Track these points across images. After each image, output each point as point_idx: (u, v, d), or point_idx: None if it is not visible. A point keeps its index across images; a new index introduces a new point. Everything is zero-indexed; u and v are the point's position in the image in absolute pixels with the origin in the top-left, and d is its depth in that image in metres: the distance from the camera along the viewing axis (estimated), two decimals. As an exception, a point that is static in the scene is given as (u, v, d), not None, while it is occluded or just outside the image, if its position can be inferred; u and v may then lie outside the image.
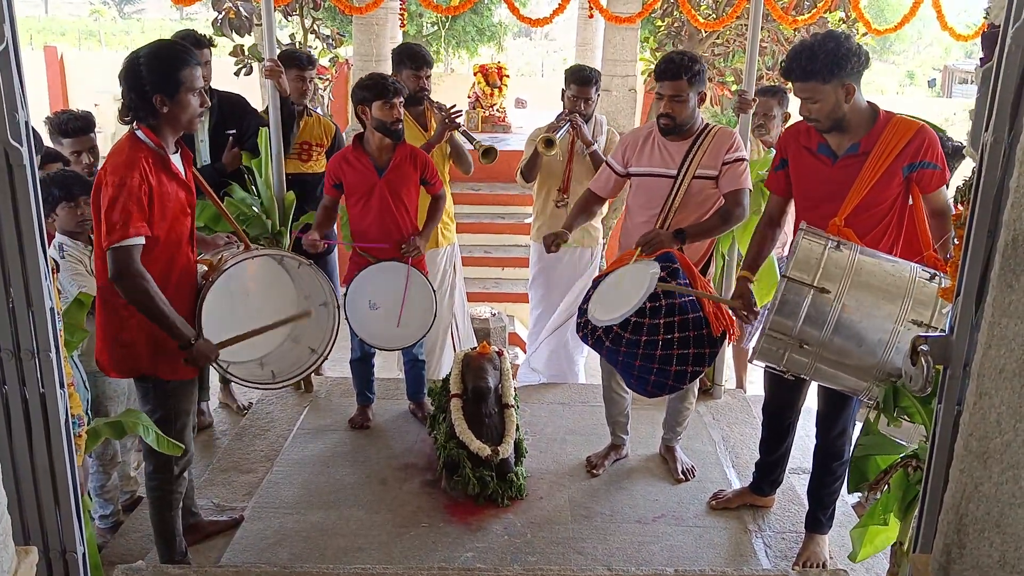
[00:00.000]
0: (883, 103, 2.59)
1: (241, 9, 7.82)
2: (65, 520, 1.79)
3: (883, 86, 25.21)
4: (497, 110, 10.80)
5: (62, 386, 1.73)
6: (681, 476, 3.35)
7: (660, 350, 2.61)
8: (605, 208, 3.52)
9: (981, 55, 2.51)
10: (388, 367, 4.84)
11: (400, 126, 3.30)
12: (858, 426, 2.56)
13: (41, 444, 1.73)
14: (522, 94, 14.67)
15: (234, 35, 8.00)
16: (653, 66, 3.85)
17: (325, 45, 8.92)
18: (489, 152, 3.80)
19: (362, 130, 3.41)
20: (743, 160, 3.01)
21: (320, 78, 8.07)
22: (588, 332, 2.76)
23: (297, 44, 8.35)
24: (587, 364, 4.57)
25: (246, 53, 8.12)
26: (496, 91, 10.71)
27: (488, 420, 3.26)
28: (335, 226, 4.05)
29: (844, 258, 2.26)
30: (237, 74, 8.28)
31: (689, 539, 2.97)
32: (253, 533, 2.96)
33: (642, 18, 7.60)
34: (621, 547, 2.92)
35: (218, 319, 2.48)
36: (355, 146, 3.39)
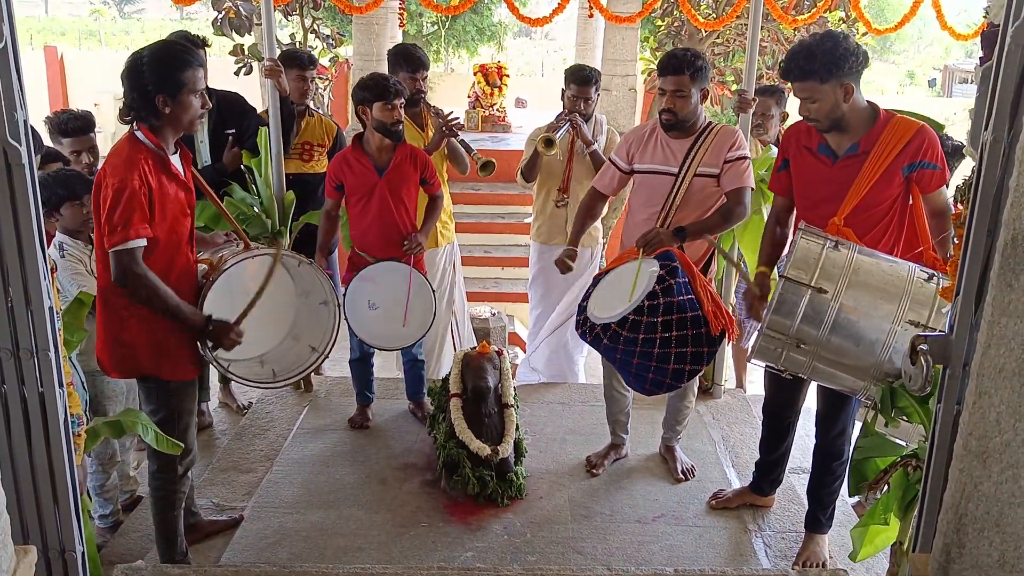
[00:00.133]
0: (883, 103, 2.58)
1: (241, 9, 7.82)
2: (64, 519, 1.79)
3: (883, 86, 25.20)
4: (497, 110, 10.80)
5: (61, 385, 1.73)
6: (681, 476, 3.35)
7: (658, 348, 2.61)
8: (605, 208, 3.51)
9: (981, 54, 2.50)
10: (388, 367, 4.84)
11: (400, 127, 3.30)
12: (857, 426, 2.56)
13: (40, 443, 1.73)
14: (522, 94, 14.69)
15: (234, 35, 8.00)
16: (653, 66, 3.85)
17: (325, 45, 8.91)
18: (487, 165, 3.80)
19: (362, 130, 3.41)
20: (745, 158, 2.99)
21: (320, 78, 8.07)
22: (587, 329, 2.76)
23: (297, 44, 8.34)
24: (587, 364, 4.57)
25: (246, 53, 8.11)
26: (496, 91, 10.72)
27: (488, 420, 3.26)
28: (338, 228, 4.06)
29: (842, 258, 2.26)
30: (237, 74, 8.28)
31: (689, 539, 2.97)
32: (253, 533, 2.96)
33: (642, 18, 7.59)
34: (621, 547, 2.92)
35: (226, 316, 2.47)
36: (355, 147, 3.39)
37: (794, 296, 2.23)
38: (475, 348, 3.53)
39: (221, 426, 3.92)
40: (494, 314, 6.19)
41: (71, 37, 27.09)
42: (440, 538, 2.95)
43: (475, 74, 10.91)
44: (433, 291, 3.44)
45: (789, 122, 3.79)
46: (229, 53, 8.37)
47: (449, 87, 14.70)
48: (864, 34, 8.58)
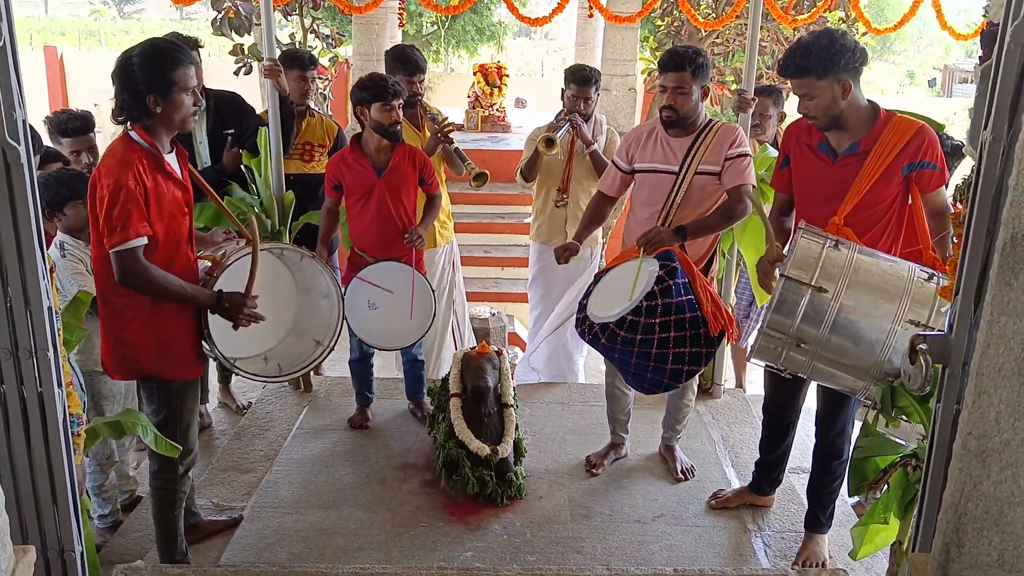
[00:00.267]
0: (883, 103, 2.58)
1: (240, 9, 7.82)
2: (63, 519, 1.79)
3: (883, 86, 25.21)
4: (497, 110, 10.80)
5: (60, 385, 1.73)
6: (680, 475, 3.35)
7: (656, 348, 2.60)
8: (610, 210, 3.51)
9: (980, 54, 2.50)
10: (387, 367, 4.84)
11: (398, 127, 3.30)
12: (857, 425, 2.56)
13: (39, 443, 1.73)
14: (522, 94, 14.69)
15: (233, 35, 8.01)
16: (653, 66, 3.85)
17: (325, 45, 8.92)
18: (480, 177, 3.80)
19: (360, 130, 3.41)
20: (746, 156, 2.98)
21: (320, 78, 8.07)
22: (586, 328, 2.76)
23: (297, 44, 8.35)
24: (587, 364, 4.57)
25: (246, 53, 8.12)
26: (496, 91, 10.72)
27: (487, 420, 3.26)
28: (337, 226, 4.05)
29: (843, 257, 2.26)
30: (237, 73, 8.28)
31: (688, 538, 2.97)
32: (252, 533, 2.96)
33: (642, 17, 7.60)
34: (620, 547, 2.92)
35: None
36: (353, 147, 3.39)
37: (794, 295, 2.23)
38: (475, 348, 3.53)
39: (220, 426, 3.92)
40: (494, 314, 6.20)
41: (71, 37, 27.10)
42: (440, 538, 2.95)
43: (475, 74, 10.91)
44: (432, 291, 3.44)
45: (787, 122, 3.79)
46: (229, 53, 8.38)
47: (449, 87, 14.71)
48: (864, 34, 8.59)
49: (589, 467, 3.41)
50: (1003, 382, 1.30)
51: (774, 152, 3.79)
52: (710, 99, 8.73)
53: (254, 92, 7.63)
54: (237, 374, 2.66)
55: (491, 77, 10.64)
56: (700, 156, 2.99)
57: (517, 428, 3.34)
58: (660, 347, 2.61)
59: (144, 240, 2.25)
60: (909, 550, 1.79)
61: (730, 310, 3.68)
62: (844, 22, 8.81)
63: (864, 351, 2.20)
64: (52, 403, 1.70)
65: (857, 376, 2.26)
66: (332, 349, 2.90)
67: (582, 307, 2.84)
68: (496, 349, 3.53)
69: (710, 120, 3.06)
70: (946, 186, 2.52)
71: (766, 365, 2.49)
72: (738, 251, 3.91)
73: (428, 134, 3.88)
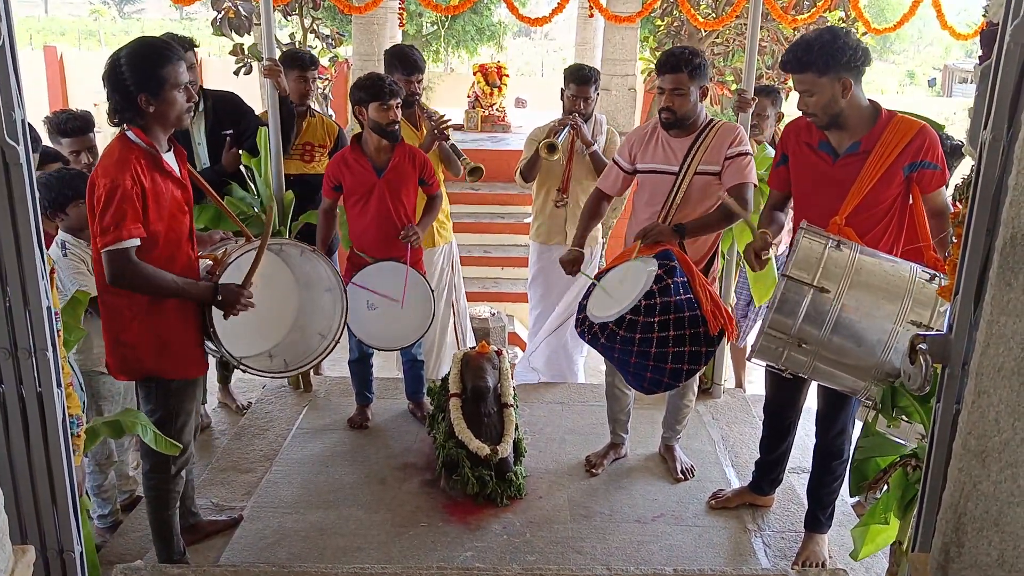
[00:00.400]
0: (883, 102, 2.58)
1: (240, 8, 7.82)
2: (62, 519, 1.79)
3: (883, 85, 25.23)
4: (497, 109, 10.80)
5: (59, 385, 1.73)
6: (680, 475, 3.34)
7: (655, 348, 2.60)
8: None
9: (980, 53, 2.50)
10: (387, 367, 4.84)
11: (397, 127, 3.30)
12: (858, 425, 2.56)
13: (38, 443, 1.73)
14: (522, 94, 14.69)
15: (233, 35, 8.01)
16: (653, 66, 3.85)
17: (325, 45, 8.93)
18: (475, 171, 3.80)
19: (360, 130, 3.41)
20: (747, 154, 2.96)
21: (320, 77, 8.08)
22: (585, 328, 2.76)
23: (297, 44, 8.36)
24: (586, 364, 4.57)
25: (246, 53, 8.12)
26: (496, 91, 10.72)
27: (487, 419, 3.26)
28: (336, 227, 4.05)
29: (844, 258, 2.26)
30: (237, 73, 8.29)
31: (688, 538, 2.97)
32: (252, 533, 2.96)
33: (642, 17, 7.59)
34: (620, 546, 2.91)
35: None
36: (353, 147, 3.39)
37: (796, 296, 2.23)
38: (475, 348, 3.53)
39: (220, 426, 3.92)
40: (494, 314, 6.19)
41: (71, 37, 27.11)
42: (439, 538, 2.95)
43: (475, 74, 10.91)
44: (432, 291, 3.44)
45: (785, 121, 3.80)
46: (229, 53, 8.38)
47: (449, 87, 14.71)
48: (864, 34, 8.57)
49: (589, 467, 3.41)
50: (1003, 382, 1.30)
51: (772, 152, 3.78)
52: (710, 99, 8.75)
53: (254, 92, 7.65)
54: (245, 372, 2.66)
55: (491, 77, 10.64)
56: (700, 156, 2.98)
57: (517, 428, 3.34)
58: (659, 346, 2.61)
59: (136, 241, 2.24)
60: (909, 550, 1.79)
61: (729, 309, 3.68)
62: (844, 22, 8.82)
63: (866, 351, 2.20)
64: (51, 403, 1.70)
65: (858, 376, 2.26)
66: (337, 342, 2.90)
67: (582, 307, 2.84)
68: (496, 349, 3.53)
69: (710, 120, 3.05)
70: (946, 186, 2.52)
71: (767, 365, 2.49)
72: (737, 251, 3.91)
73: (425, 132, 3.88)
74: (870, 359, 2.20)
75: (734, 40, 9.57)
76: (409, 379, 3.85)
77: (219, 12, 7.90)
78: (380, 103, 3.23)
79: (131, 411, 2.51)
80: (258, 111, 3.99)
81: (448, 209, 4.22)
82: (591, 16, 9.78)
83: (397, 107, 3.28)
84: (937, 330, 2.07)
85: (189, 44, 3.41)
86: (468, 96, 11.01)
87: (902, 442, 2.19)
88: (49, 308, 1.67)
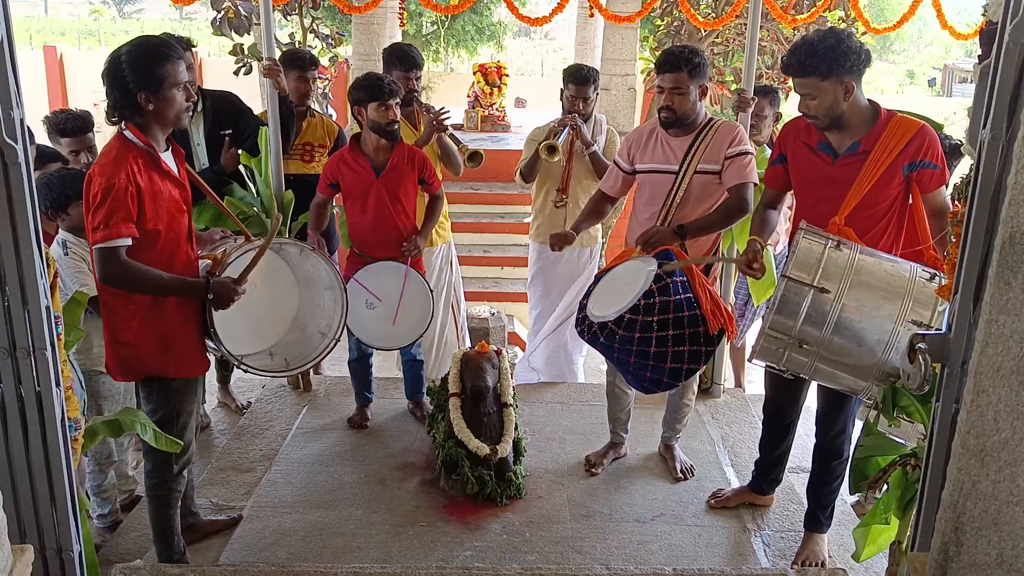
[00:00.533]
0: (883, 102, 2.58)
1: (240, 8, 7.82)
2: (61, 519, 1.79)
3: (883, 85, 25.22)
4: (496, 109, 10.79)
5: (58, 384, 1.73)
6: (680, 475, 3.34)
7: (654, 347, 2.60)
8: (609, 209, 3.51)
9: (979, 52, 2.50)
10: (387, 366, 4.84)
11: (396, 127, 3.29)
12: (858, 425, 2.56)
13: (37, 442, 1.73)
14: (522, 93, 14.66)
15: (233, 34, 8.01)
16: (652, 65, 3.84)
17: (324, 44, 8.92)
18: (475, 156, 3.80)
19: (359, 130, 3.41)
20: (747, 153, 2.95)
21: (320, 77, 8.08)
22: (585, 328, 2.76)
23: (296, 43, 8.35)
24: (586, 363, 4.57)
25: (245, 52, 8.12)
26: (496, 90, 10.70)
27: (487, 419, 3.26)
28: (335, 227, 4.05)
29: (844, 258, 2.26)
30: (236, 73, 8.29)
31: (688, 538, 2.96)
32: (251, 532, 2.96)
33: (642, 17, 7.60)
34: (620, 546, 2.91)
35: (227, 313, 2.47)
36: (352, 147, 3.39)
37: (796, 296, 2.23)
38: (474, 348, 3.53)
39: (220, 426, 3.92)
40: (494, 314, 6.18)
41: (71, 37, 27.12)
42: (439, 537, 2.95)
43: (475, 74, 10.89)
44: (431, 291, 3.44)
45: (783, 122, 3.79)
46: (229, 53, 8.38)
47: (449, 87, 14.69)
48: (863, 33, 8.58)
49: (588, 467, 3.41)
50: (1002, 381, 1.30)
51: (769, 153, 3.78)
52: (710, 99, 8.76)
53: (254, 92, 7.63)
54: (245, 371, 2.65)
55: (491, 77, 10.63)
56: (700, 155, 2.98)
57: (516, 428, 3.34)
58: (659, 346, 2.60)
59: (127, 241, 2.23)
60: (908, 549, 1.79)
61: (729, 309, 3.68)
62: (844, 22, 8.80)
63: (866, 352, 2.20)
64: (50, 402, 1.70)
65: (859, 376, 2.26)
66: (338, 340, 2.89)
67: (582, 307, 2.84)
68: (496, 349, 3.53)
69: (710, 119, 3.05)
70: (947, 186, 2.52)
71: (767, 365, 2.49)
72: (737, 250, 3.90)
73: (424, 125, 3.87)
74: (871, 359, 2.20)
75: (734, 40, 9.56)
76: (409, 379, 3.85)
77: (219, 12, 7.90)
78: (379, 103, 3.22)
79: (130, 410, 2.51)
80: (257, 111, 3.99)
81: (447, 209, 4.22)
82: (591, 16, 9.76)
83: (396, 106, 3.28)
84: (937, 329, 2.07)
85: (187, 44, 3.41)
86: (468, 96, 10.99)
87: (903, 442, 2.19)
88: (48, 308, 1.67)
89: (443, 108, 3.86)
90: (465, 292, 4.67)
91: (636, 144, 3.15)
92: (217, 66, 12.48)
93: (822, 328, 2.21)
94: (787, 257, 2.35)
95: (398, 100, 3.29)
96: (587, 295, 2.89)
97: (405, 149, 3.39)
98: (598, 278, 2.97)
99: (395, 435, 3.71)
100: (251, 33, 8.10)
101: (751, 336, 3.77)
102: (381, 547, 2.88)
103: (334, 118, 5.33)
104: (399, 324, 3.41)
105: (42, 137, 3.22)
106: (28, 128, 1.74)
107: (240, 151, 3.78)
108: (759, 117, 4.02)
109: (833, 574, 2.55)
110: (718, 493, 3.20)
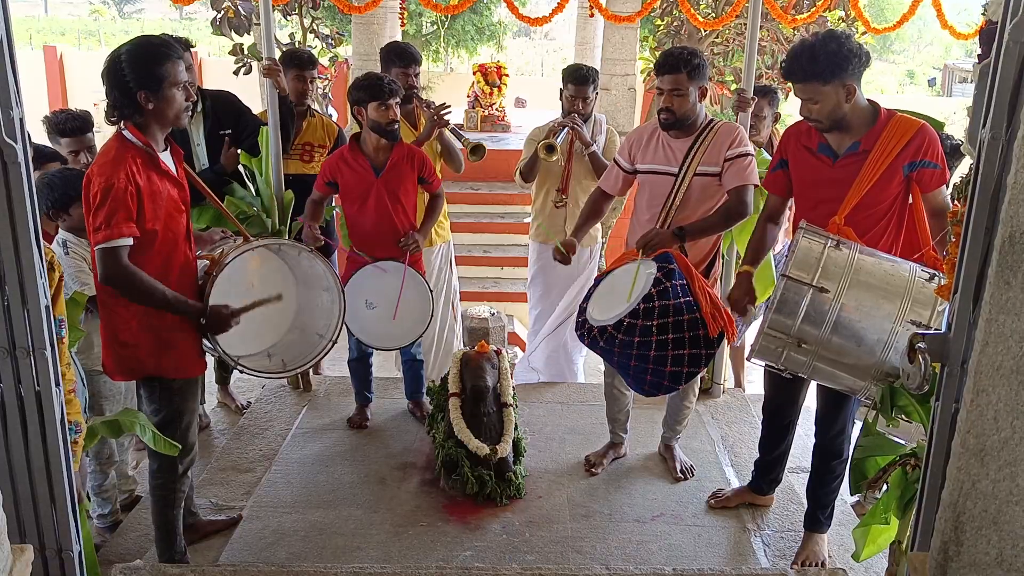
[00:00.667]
0: (883, 102, 2.58)
1: (240, 8, 7.82)
2: (61, 519, 1.79)
3: (883, 85, 25.22)
4: (496, 109, 10.79)
5: (58, 384, 1.73)
6: (680, 475, 3.34)
7: (654, 351, 2.60)
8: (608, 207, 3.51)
9: (979, 52, 2.50)
10: (387, 366, 4.84)
11: (396, 126, 3.29)
12: (857, 425, 2.56)
13: (37, 442, 1.73)
14: (522, 93, 14.66)
15: (233, 34, 8.01)
16: (653, 65, 3.84)
17: (324, 44, 8.92)
18: (477, 149, 3.79)
19: (359, 130, 3.40)
20: (747, 155, 2.94)
21: (320, 77, 8.08)
22: (585, 331, 2.75)
23: (296, 43, 8.36)
24: (586, 364, 4.57)
25: (245, 52, 8.12)
26: (495, 90, 10.70)
27: (487, 419, 3.26)
28: (335, 227, 4.05)
29: (844, 257, 2.26)
30: (236, 73, 8.29)
31: (688, 538, 2.96)
32: (251, 532, 2.96)
33: (642, 17, 7.60)
34: (619, 546, 2.91)
35: None
36: (352, 146, 3.39)
37: (796, 296, 2.22)
38: (474, 347, 3.52)
39: (220, 426, 3.91)
40: (493, 314, 6.17)
41: (71, 37, 27.12)
42: (439, 537, 2.95)
43: (474, 74, 10.89)
44: (430, 290, 3.44)
45: (784, 122, 3.79)
46: (229, 53, 8.38)
47: (449, 87, 14.68)
48: (863, 33, 8.58)
49: (588, 467, 3.41)
50: (1001, 380, 1.30)
51: (767, 156, 3.77)
52: (710, 99, 8.75)
53: (254, 92, 7.63)
54: (242, 372, 2.65)
55: (491, 77, 10.62)
56: (699, 157, 2.97)
57: (516, 428, 3.34)
58: (659, 349, 2.60)
59: (129, 241, 2.23)
60: (908, 549, 1.79)
61: (729, 310, 3.68)
62: (844, 21, 8.80)
63: (865, 351, 2.20)
64: (50, 402, 1.70)
65: (858, 376, 2.25)
66: (335, 341, 2.89)
67: (582, 310, 2.84)
68: (495, 349, 3.53)
69: (711, 120, 3.04)
70: (947, 185, 2.52)
71: (766, 365, 2.49)
72: (737, 251, 3.90)
73: (424, 121, 3.86)
74: (870, 359, 2.20)
75: (734, 40, 9.56)
76: (408, 379, 3.84)
77: (219, 12, 7.90)
78: (379, 102, 3.22)
79: (130, 411, 2.51)
80: (257, 111, 3.99)
81: (446, 208, 4.22)
82: (591, 16, 9.77)
83: (396, 106, 3.27)
84: (936, 329, 2.07)
85: (186, 45, 3.41)
86: (468, 96, 10.99)
87: (902, 442, 2.19)
88: (47, 307, 1.67)
89: (443, 104, 3.86)
90: (466, 292, 4.67)
91: (637, 144, 3.15)
92: (217, 66, 12.49)
93: (821, 327, 2.21)
94: (786, 256, 2.35)
95: (398, 100, 3.29)
96: (587, 298, 2.88)
97: (404, 148, 3.39)
98: (598, 281, 2.96)
99: (395, 435, 3.71)
100: (251, 33, 8.10)
101: (750, 335, 3.77)
102: (381, 547, 2.88)
103: (334, 118, 5.34)
104: (398, 324, 3.41)
105: (42, 137, 3.22)
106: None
107: (240, 151, 3.78)
108: (758, 117, 4.02)
109: (833, 574, 2.55)
110: (718, 493, 3.20)
